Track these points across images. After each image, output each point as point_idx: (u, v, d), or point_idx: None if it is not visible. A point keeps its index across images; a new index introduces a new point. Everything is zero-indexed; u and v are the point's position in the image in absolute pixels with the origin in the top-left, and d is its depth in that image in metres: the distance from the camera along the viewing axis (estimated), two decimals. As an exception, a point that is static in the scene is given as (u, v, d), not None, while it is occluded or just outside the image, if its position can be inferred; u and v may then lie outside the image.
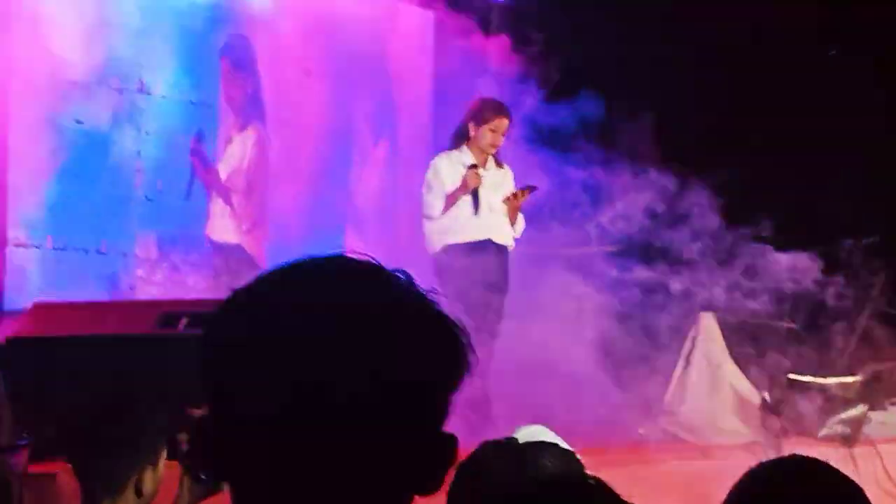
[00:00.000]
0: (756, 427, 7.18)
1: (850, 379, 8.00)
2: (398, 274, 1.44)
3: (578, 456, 2.74)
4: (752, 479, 2.42)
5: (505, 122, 7.04)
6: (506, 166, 7.12)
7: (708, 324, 7.54)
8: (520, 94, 7.94)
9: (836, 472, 2.40)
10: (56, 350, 5.02)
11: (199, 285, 6.84)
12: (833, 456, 6.75)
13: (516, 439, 2.75)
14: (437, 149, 7.81)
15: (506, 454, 2.70)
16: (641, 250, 7.94)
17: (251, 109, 7.27)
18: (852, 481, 2.37)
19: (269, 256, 7.15)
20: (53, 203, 6.51)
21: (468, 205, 6.97)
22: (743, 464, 6.63)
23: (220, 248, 7.18)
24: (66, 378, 4.76)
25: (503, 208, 7.03)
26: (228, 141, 7.27)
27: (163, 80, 7.12)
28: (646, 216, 7.82)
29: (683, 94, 8.84)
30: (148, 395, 3.64)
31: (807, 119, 8.95)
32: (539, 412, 6.46)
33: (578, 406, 6.98)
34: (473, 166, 6.90)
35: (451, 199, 6.89)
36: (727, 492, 3.69)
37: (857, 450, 7.28)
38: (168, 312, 5.01)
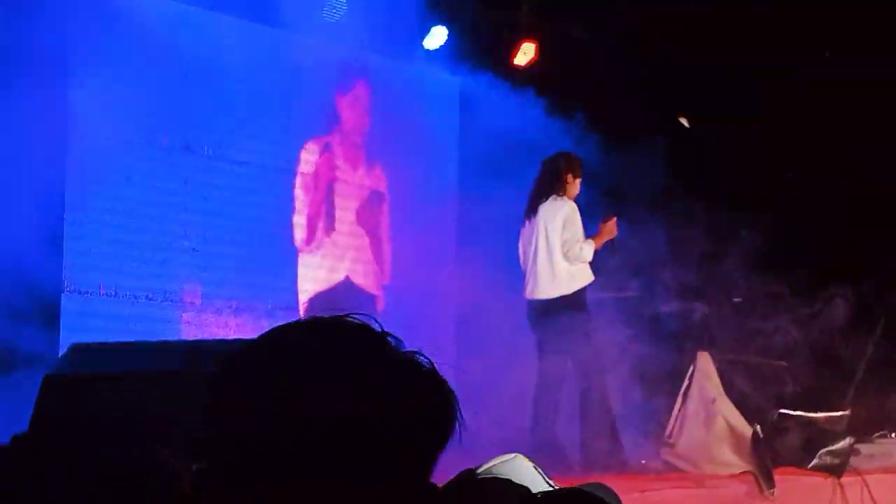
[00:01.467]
0: (748, 458, 7.27)
1: (837, 413, 8.14)
2: (390, 338, 1.47)
3: (554, 486, 2.69)
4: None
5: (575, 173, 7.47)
6: None
7: (704, 362, 7.63)
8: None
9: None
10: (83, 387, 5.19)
11: (243, 329, 7.11)
12: (822, 486, 7.48)
13: (475, 474, 2.50)
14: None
15: (464, 488, 2.46)
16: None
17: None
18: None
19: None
20: (105, 252, 6.80)
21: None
22: (735, 492, 6.97)
23: None
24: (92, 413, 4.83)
25: None
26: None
27: (208, 141, 7.46)
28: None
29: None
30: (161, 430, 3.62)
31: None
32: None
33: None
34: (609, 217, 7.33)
35: (596, 246, 7.27)
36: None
37: (845, 480, 7.49)
38: (194, 349, 5.35)
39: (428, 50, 8.51)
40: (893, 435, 8.19)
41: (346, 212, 8.36)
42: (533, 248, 7.35)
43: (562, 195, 7.28)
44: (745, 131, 9.21)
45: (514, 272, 7.57)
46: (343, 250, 8.43)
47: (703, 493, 6.64)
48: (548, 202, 7.26)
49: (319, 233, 8.22)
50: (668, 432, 7.60)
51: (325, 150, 8.30)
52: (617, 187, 8.17)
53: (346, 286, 8.41)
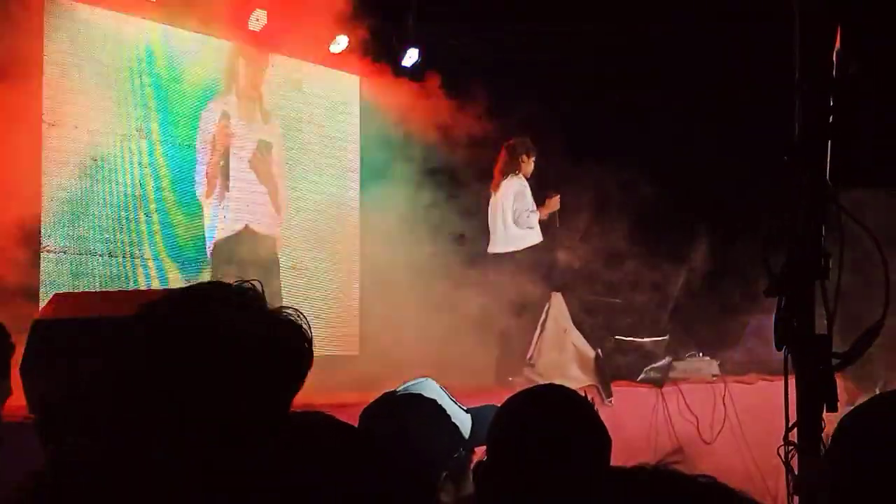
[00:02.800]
0: (591, 375, 8.03)
1: (659, 339, 8.93)
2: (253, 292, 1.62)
3: (459, 405, 2.84)
4: (514, 398, 2.50)
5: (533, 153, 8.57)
6: None
7: (557, 300, 8.34)
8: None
9: (569, 391, 2.50)
10: (66, 330, 4.91)
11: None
12: (648, 394, 8.06)
13: (395, 392, 2.83)
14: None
15: (382, 406, 2.79)
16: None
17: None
18: (579, 396, 2.49)
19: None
20: (76, 220, 7.66)
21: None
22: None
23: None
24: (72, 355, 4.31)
25: None
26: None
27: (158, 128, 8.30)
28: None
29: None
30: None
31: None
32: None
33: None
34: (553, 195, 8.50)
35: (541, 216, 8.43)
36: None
37: (666, 389, 8.20)
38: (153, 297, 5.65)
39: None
40: (701, 354, 8.90)
41: (243, 163, 8.86)
42: (494, 215, 8.50)
43: (518, 173, 8.47)
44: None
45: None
46: (242, 201, 8.89)
47: None
48: (506, 179, 8.46)
49: (218, 186, 8.71)
50: (528, 355, 8.26)
51: (223, 108, 8.77)
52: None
53: (248, 233, 8.94)
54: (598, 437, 2.39)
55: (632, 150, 9.49)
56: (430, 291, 8.50)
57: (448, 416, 2.73)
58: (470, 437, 2.68)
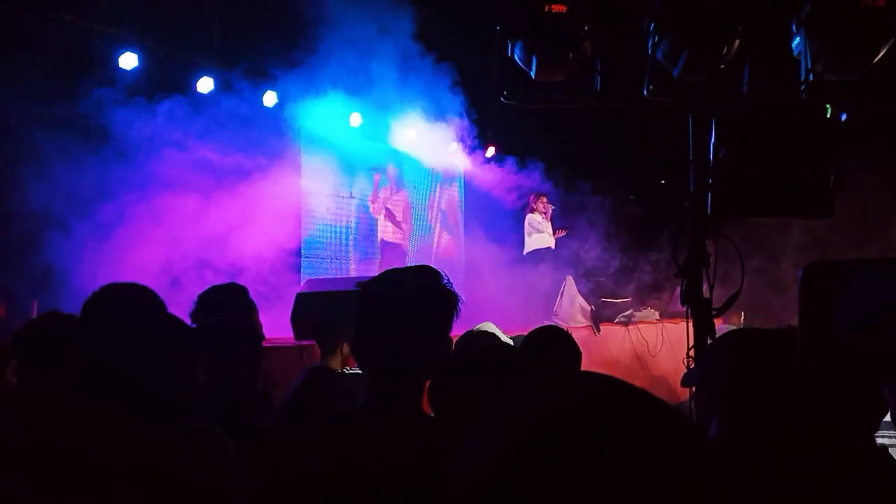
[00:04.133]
0: (589, 319, 11.38)
1: (627, 299, 12.70)
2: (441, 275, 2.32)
3: (509, 339, 3.89)
4: (529, 335, 3.49)
5: (544, 199, 13.00)
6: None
7: (569, 281, 11.95)
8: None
9: (565, 332, 3.55)
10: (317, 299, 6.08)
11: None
12: (620, 330, 11.36)
13: (471, 330, 3.75)
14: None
15: (462, 338, 3.70)
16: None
17: (400, 182, 13.17)
18: (571, 340, 3.64)
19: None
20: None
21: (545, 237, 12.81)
22: (584, 333, 14.31)
23: (390, 246, 12.63)
24: (321, 312, 5.29)
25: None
26: (390, 196, 12.77)
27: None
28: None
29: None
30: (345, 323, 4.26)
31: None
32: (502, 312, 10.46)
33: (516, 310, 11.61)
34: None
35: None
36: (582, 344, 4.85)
37: (630, 327, 11.27)
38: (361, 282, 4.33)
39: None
40: (649, 308, 12.29)
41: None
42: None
43: (532, 211, 13.14)
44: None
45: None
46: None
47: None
48: (527, 215, 13.22)
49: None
50: (554, 309, 11.77)
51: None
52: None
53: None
54: (576, 354, 3.74)
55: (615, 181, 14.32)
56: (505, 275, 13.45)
57: (509, 345, 3.58)
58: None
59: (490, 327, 4.36)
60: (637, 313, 12.19)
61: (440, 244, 14.91)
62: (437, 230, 15.14)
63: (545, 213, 13.76)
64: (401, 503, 2.15)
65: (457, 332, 2.63)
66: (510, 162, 14.72)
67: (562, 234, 13.84)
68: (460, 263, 14.90)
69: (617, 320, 11.91)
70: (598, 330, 11.37)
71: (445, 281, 2.45)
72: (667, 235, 12.33)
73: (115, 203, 8.93)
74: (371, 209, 13.75)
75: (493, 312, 7.77)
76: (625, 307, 12.41)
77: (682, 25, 4.57)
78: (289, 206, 11.58)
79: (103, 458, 2.17)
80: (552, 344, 4.01)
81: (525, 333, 4.21)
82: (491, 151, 15.19)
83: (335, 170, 12.88)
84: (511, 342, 4.09)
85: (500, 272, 13.31)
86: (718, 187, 4.11)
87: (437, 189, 15.32)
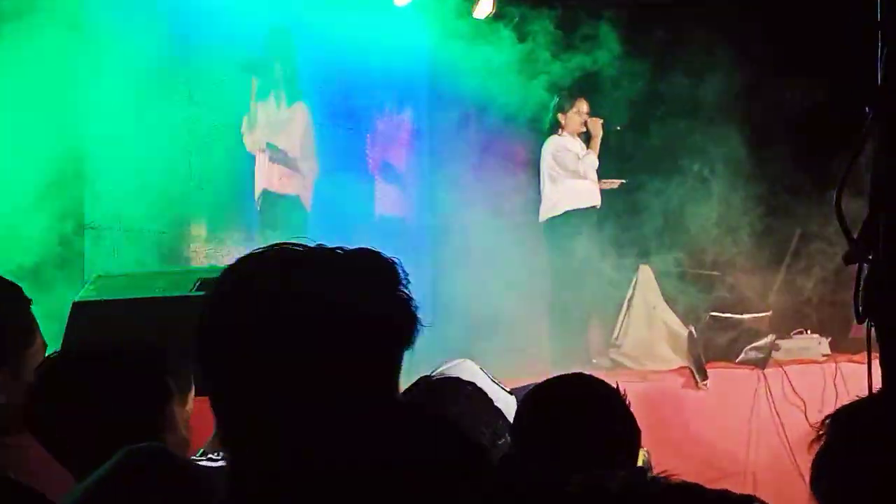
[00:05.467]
0: (684, 355, 7.74)
1: (760, 314, 8.50)
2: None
3: (501, 386, 2.85)
4: (539, 386, 2.55)
5: (584, 103, 8.05)
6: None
7: (645, 273, 8.11)
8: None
9: (598, 380, 2.54)
10: (111, 310, 5.17)
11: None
12: (748, 376, 7.78)
13: (430, 376, 2.80)
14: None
15: (416, 392, 2.71)
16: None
17: (294, 88, 8.13)
18: (608, 386, 2.52)
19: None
20: (124, 195, 7.12)
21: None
22: (674, 384, 7.68)
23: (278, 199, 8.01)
24: (118, 333, 4.63)
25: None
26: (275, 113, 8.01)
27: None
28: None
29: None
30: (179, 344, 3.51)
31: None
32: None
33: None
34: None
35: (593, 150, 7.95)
36: (661, 410, 3.76)
37: (768, 371, 7.88)
38: (205, 279, 5.18)
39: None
40: (809, 332, 8.51)
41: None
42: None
43: (561, 132, 8.00)
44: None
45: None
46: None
47: (647, 386, 6.99)
48: (550, 140, 8.04)
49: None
50: (615, 335, 8.06)
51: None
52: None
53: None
54: (625, 430, 2.42)
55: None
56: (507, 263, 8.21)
57: (490, 400, 2.68)
58: None
59: (467, 371, 2.87)
60: (784, 343, 8.32)
61: (383, 198, 9.54)
62: (377, 173, 9.55)
63: (586, 136, 8.17)
64: None
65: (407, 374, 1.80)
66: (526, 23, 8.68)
67: (614, 184, 8.54)
68: (422, 238, 9.56)
69: (744, 357, 8.06)
70: (704, 378, 7.57)
71: (391, 271, 1.51)
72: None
73: None
74: (245, 142, 8.16)
75: (485, 337, 7.07)
76: (760, 329, 8.43)
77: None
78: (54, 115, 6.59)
79: None
80: (569, 422, 2.40)
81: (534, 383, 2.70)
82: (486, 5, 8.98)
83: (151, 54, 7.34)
84: (507, 400, 2.78)
85: (498, 256, 8.30)
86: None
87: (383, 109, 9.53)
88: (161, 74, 7.25)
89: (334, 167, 8.73)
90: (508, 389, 2.84)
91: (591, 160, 8.03)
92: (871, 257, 2.76)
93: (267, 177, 8.12)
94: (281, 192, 8.17)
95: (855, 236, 2.88)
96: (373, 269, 1.50)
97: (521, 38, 8.56)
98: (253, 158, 8.13)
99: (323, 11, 8.42)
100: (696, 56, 9.01)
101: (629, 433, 2.47)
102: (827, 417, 1.83)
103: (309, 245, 1.52)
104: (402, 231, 9.34)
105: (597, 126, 8.05)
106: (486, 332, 7.56)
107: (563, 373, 2.63)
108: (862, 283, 2.81)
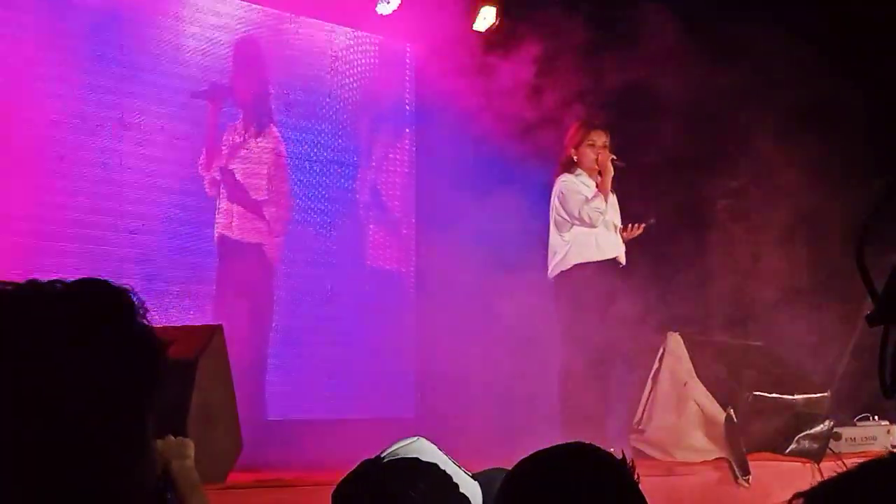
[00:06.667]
0: (721, 444, 7.12)
1: (816, 395, 7.85)
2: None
3: (464, 470, 2.69)
4: (525, 462, 2.28)
5: (601, 135, 7.11)
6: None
7: (675, 343, 7.42)
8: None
9: (597, 451, 2.24)
10: None
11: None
12: (801, 472, 7.20)
13: (380, 458, 2.68)
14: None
15: (364, 479, 2.64)
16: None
17: (265, 114, 7.21)
18: (617, 461, 2.26)
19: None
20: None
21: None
22: (707, 480, 6.60)
23: (238, 249, 7.09)
24: None
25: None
26: (241, 146, 7.13)
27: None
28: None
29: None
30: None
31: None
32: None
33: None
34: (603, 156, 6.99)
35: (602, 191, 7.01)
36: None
37: (825, 465, 7.22)
38: None
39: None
40: (876, 418, 7.93)
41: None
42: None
43: (572, 171, 7.08)
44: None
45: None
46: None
47: (674, 482, 6.40)
48: (559, 179, 7.10)
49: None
50: (637, 418, 7.43)
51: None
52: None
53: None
54: None
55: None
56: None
57: (455, 486, 2.60)
58: None
59: (426, 451, 2.75)
60: (845, 430, 7.75)
61: (370, 242, 8.57)
62: (364, 216, 8.59)
63: (602, 176, 7.16)
64: None
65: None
66: (536, 41, 7.74)
67: (639, 230, 7.42)
68: (407, 288, 8.68)
69: (793, 447, 7.47)
70: (746, 473, 6.92)
71: (118, 304, 1.52)
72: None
73: None
74: (205, 181, 7.25)
75: (478, 414, 6.98)
76: (813, 414, 7.72)
77: None
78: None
79: None
80: None
81: (498, 466, 2.66)
82: (489, 15, 8.14)
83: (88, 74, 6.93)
84: (470, 486, 2.70)
85: (498, 318, 7.49)
86: None
87: (374, 134, 8.58)
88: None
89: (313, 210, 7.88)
90: (471, 474, 2.73)
91: (598, 205, 6.97)
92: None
93: (224, 220, 7.10)
94: (241, 240, 7.15)
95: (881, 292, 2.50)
96: (94, 305, 1.49)
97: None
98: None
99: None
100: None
101: None
102: (799, 496, 1.71)
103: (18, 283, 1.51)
104: (400, 283, 8.49)
105: (606, 162, 6.98)
106: (481, 408, 7.07)
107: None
108: (890, 348, 2.41)
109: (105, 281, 1.57)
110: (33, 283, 1.51)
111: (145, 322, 1.54)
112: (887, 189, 2.68)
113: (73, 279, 1.54)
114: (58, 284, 1.51)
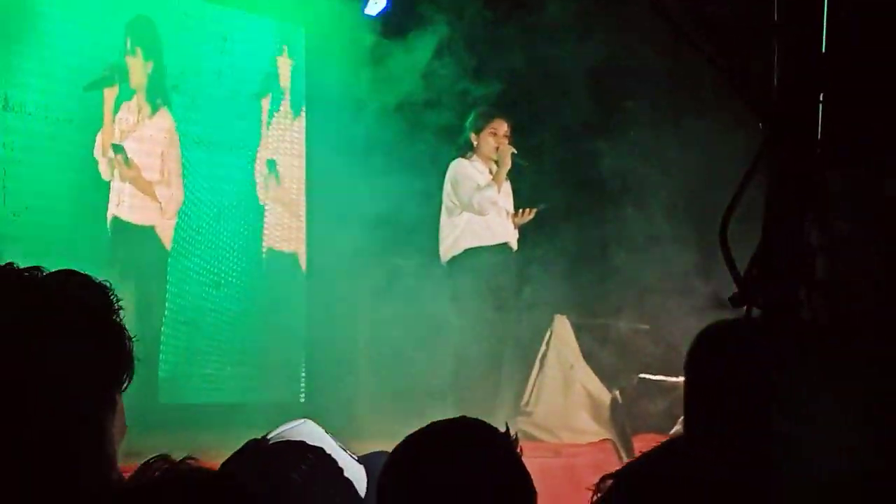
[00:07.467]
0: (607, 425, 7.18)
1: None
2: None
3: (350, 453, 2.67)
4: (407, 440, 2.28)
5: (503, 124, 7.11)
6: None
7: (561, 326, 7.52)
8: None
9: (481, 426, 2.24)
10: None
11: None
12: None
13: (266, 439, 2.67)
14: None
15: (248, 459, 2.61)
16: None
17: (159, 95, 7.17)
18: (499, 433, 2.23)
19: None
20: None
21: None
22: (594, 460, 6.72)
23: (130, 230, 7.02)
24: None
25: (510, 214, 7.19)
26: (135, 126, 7.07)
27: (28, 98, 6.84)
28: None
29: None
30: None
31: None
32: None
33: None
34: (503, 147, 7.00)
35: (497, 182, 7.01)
36: (573, 487, 3.53)
37: None
38: None
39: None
40: None
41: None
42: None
43: (467, 156, 7.09)
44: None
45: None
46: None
47: (560, 463, 6.42)
48: (456, 162, 7.10)
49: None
50: (524, 400, 7.46)
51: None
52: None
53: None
54: (519, 488, 2.21)
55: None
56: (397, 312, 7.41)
57: (340, 469, 2.52)
58: (367, 495, 2.48)
59: (312, 434, 2.68)
60: None
61: (263, 225, 8.37)
62: (256, 199, 8.39)
63: (497, 162, 7.18)
64: None
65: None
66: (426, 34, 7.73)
67: (530, 215, 7.38)
68: (299, 271, 8.54)
69: (677, 429, 6.79)
70: (631, 454, 6.94)
71: (98, 297, 1.60)
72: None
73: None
74: (100, 166, 7.16)
75: (370, 397, 7.06)
76: None
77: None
78: None
79: None
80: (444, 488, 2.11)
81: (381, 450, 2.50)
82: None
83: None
84: (355, 470, 2.60)
85: (391, 301, 7.45)
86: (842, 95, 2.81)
87: (267, 116, 8.41)
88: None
89: (206, 192, 7.80)
90: (357, 457, 2.64)
91: (490, 194, 7.01)
92: (762, 300, 2.70)
93: (116, 200, 7.03)
94: (133, 222, 7.09)
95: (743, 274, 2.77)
96: (71, 298, 1.48)
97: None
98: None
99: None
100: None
101: (522, 495, 2.22)
102: (608, 477, 1.83)
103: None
104: (292, 268, 8.45)
105: (506, 153, 7.03)
106: (370, 392, 7.05)
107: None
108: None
109: (87, 275, 1.59)
110: (12, 269, 1.54)
111: (118, 320, 1.58)
112: (746, 175, 2.78)
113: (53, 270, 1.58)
114: (38, 272, 1.54)
